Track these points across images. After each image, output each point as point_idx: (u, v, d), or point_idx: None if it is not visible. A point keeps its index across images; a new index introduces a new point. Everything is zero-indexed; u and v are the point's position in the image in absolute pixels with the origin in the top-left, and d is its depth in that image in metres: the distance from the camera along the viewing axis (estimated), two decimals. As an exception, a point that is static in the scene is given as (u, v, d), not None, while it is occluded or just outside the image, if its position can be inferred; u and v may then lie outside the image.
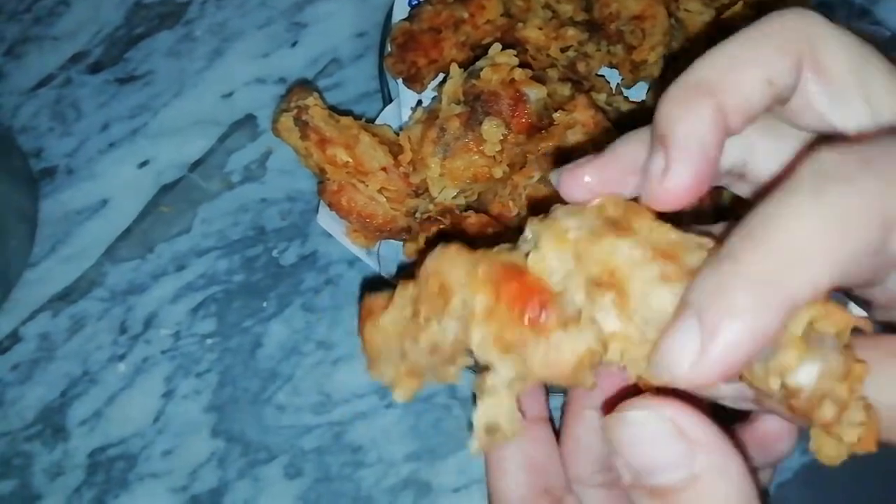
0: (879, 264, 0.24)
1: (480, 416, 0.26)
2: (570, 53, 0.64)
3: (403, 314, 0.28)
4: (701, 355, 0.22)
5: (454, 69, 0.57)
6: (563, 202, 0.29)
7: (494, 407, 0.26)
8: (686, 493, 0.23)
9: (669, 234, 0.26)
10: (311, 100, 0.57)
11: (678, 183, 0.25)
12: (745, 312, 0.22)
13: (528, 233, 0.28)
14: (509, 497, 0.31)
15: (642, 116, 0.62)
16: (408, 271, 0.30)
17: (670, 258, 0.25)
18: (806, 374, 0.23)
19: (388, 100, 0.66)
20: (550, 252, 0.26)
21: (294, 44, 0.74)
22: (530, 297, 0.26)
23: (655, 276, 0.25)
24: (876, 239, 0.22)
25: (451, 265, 0.27)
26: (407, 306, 0.28)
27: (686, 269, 0.25)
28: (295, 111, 0.57)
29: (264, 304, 0.64)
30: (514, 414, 0.26)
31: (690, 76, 0.26)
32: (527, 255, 0.27)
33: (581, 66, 0.64)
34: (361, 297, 0.31)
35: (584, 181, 0.29)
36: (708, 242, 0.26)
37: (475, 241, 0.29)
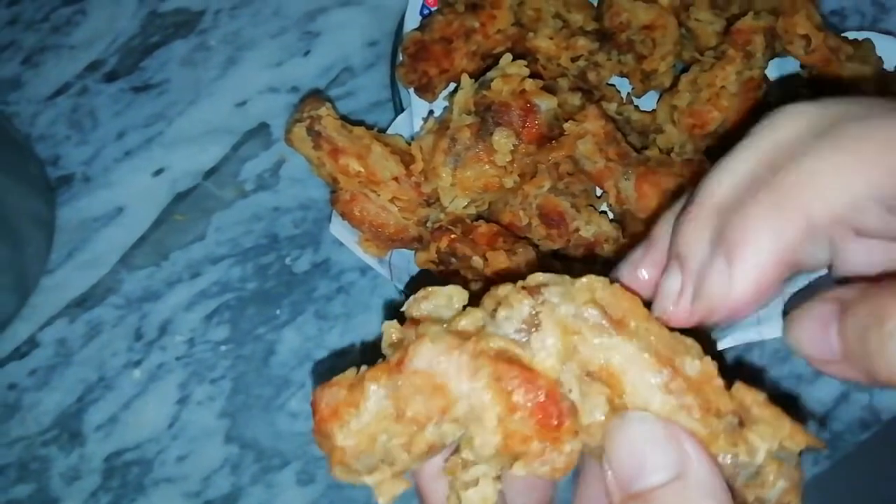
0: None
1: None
2: (581, 63, 0.64)
3: (379, 412, 0.26)
4: (731, 280, 0.25)
5: (465, 80, 0.57)
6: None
7: (480, 498, 0.26)
8: (670, 489, 0.24)
9: (664, 334, 0.27)
10: (324, 110, 0.57)
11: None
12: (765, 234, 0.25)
13: (518, 309, 0.26)
14: None
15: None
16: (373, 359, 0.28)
17: (668, 363, 0.26)
18: (777, 490, 0.26)
19: (399, 109, 0.66)
20: (558, 348, 0.26)
21: (307, 53, 0.75)
22: (551, 408, 0.25)
23: (656, 383, 0.26)
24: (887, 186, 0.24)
25: (441, 361, 0.25)
26: (382, 401, 0.26)
27: (683, 376, 0.26)
28: (308, 121, 0.57)
29: (277, 312, 0.65)
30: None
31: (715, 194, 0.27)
32: (519, 341, 0.26)
33: (591, 76, 0.64)
34: (315, 385, 0.28)
35: (642, 277, 0.30)
36: (697, 347, 0.27)
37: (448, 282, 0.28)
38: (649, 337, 0.26)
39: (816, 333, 0.26)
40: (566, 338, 0.26)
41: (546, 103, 0.55)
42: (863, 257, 0.28)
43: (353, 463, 0.26)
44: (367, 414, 0.26)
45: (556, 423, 0.25)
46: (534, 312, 0.26)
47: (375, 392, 0.26)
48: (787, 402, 0.28)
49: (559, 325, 0.26)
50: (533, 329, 0.26)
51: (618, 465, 0.25)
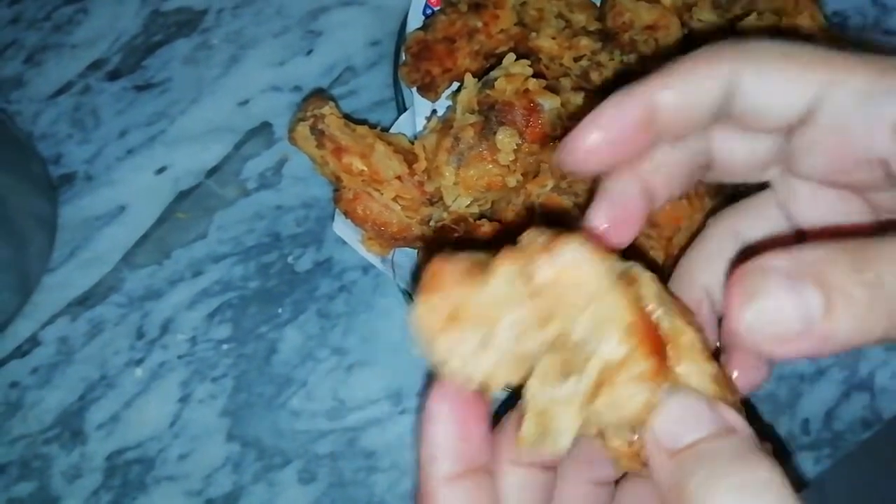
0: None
1: (554, 417, 0.26)
2: (584, 63, 0.64)
3: (505, 292, 0.25)
4: None
5: (468, 79, 0.57)
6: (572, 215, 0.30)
7: (566, 418, 0.25)
8: (718, 440, 0.24)
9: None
10: (328, 108, 0.58)
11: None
12: None
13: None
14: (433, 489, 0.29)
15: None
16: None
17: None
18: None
19: (402, 108, 0.66)
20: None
21: (309, 52, 0.75)
22: (663, 365, 0.26)
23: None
24: None
25: (586, 261, 0.25)
26: (512, 283, 0.25)
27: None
28: (311, 120, 0.57)
29: (279, 311, 0.65)
30: (572, 435, 0.26)
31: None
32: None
33: (594, 76, 0.64)
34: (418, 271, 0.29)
35: (590, 147, 0.29)
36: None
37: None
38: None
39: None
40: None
41: (549, 103, 0.55)
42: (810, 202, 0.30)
43: (446, 338, 0.25)
44: (492, 289, 0.25)
45: (662, 364, 0.25)
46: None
47: (507, 272, 0.25)
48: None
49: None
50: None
51: (662, 426, 0.25)
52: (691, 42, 0.63)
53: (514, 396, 0.28)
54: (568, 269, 0.24)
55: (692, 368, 0.26)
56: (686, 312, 0.28)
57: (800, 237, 0.32)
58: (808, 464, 0.59)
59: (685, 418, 0.25)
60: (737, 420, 0.25)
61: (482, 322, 0.25)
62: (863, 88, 0.26)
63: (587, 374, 0.25)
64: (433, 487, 0.28)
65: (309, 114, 0.58)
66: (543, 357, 0.26)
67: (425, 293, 0.25)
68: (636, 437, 0.26)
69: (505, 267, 0.25)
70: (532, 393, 0.26)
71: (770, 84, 0.27)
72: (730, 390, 0.27)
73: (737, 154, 0.31)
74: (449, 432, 0.28)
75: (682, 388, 0.26)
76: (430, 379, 0.35)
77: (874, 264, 0.22)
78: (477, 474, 0.29)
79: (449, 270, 0.25)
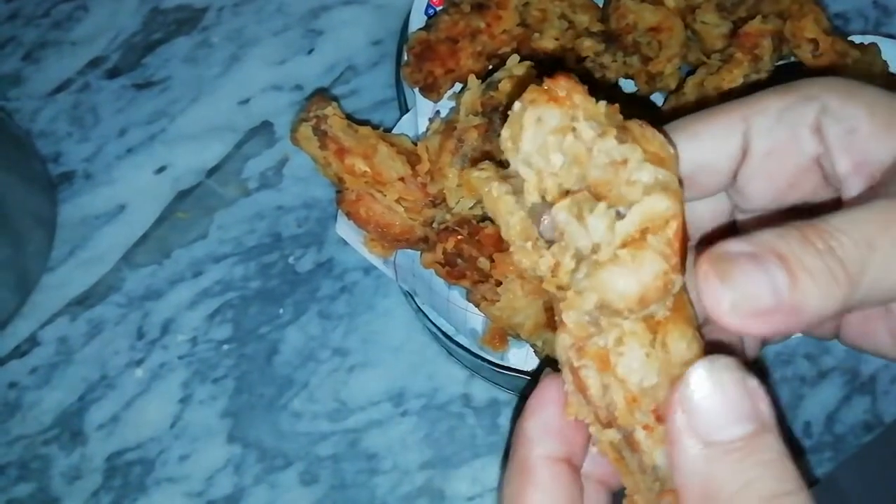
0: None
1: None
2: (587, 64, 0.64)
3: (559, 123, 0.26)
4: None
5: (472, 80, 0.57)
6: None
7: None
8: (753, 443, 0.24)
9: None
10: (330, 109, 0.57)
11: None
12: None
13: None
14: (532, 461, 0.30)
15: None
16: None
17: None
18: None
19: (404, 109, 0.66)
20: None
21: (310, 51, 0.75)
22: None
23: None
24: None
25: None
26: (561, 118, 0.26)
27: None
28: (314, 120, 0.57)
29: (280, 311, 0.65)
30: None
31: None
32: None
33: (597, 77, 0.64)
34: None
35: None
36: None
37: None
38: None
39: None
40: None
41: (553, 105, 0.55)
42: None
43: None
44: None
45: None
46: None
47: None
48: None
49: None
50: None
51: (698, 412, 0.24)
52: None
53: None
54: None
55: None
56: None
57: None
58: (811, 466, 0.60)
59: (726, 410, 0.24)
60: (768, 411, 0.25)
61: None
62: (778, 106, 0.30)
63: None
64: (532, 463, 0.30)
65: (312, 114, 0.58)
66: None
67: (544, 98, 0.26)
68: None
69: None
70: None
71: (699, 148, 0.30)
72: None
73: (701, 213, 0.34)
74: (555, 420, 0.30)
75: (719, 362, 0.25)
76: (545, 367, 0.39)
77: (823, 235, 0.24)
78: (573, 465, 0.30)
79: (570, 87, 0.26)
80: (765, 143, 0.30)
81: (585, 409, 0.27)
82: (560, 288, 0.26)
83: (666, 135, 0.28)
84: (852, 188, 0.29)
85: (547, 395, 0.30)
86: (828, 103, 0.29)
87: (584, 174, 0.26)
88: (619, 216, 0.25)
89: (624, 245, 0.25)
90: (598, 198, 0.26)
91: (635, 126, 0.27)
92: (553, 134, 0.26)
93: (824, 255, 0.24)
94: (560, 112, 0.26)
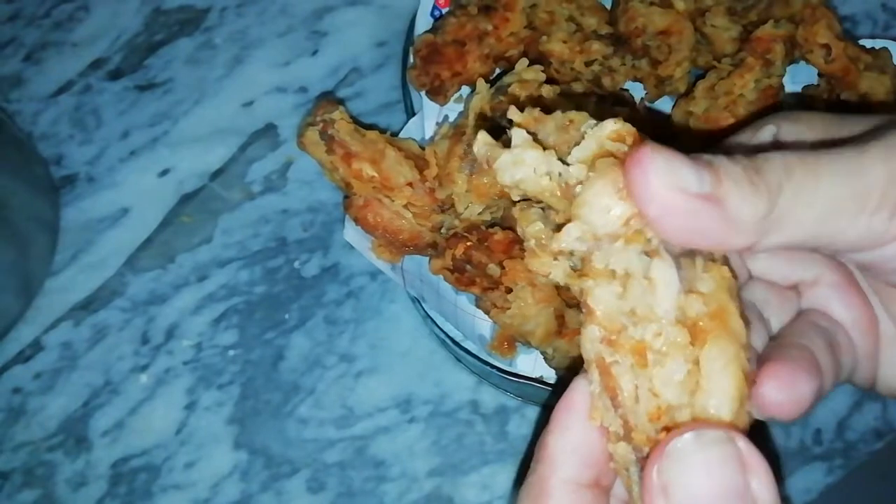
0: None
1: None
2: (595, 67, 0.63)
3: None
4: None
5: (481, 85, 0.56)
6: None
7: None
8: None
9: None
10: (338, 113, 0.57)
11: None
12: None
13: None
14: (552, 484, 0.28)
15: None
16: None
17: None
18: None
19: (410, 112, 0.65)
20: None
21: (314, 52, 0.74)
22: None
23: None
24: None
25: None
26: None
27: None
28: (321, 125, 0.57)
29: (286, 316, 0.64)
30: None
31: None
32: None
33: (606, 81, 0.63)
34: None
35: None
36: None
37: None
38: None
39: None
40: None
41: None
42: None
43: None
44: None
45: None
46: None
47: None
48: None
49: None
50: None
51: (683, 492, 0.23)
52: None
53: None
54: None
55: None
56: None
57: None
58: (820, 474, 0.59)
59: (710, 493, 0.23)
60: (764, 490, 0.23)
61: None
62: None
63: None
64: (552, 487, 0.28)
65: (318, 118, 0.57)
66: None
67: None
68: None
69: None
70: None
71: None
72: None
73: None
74: (581, 439, 0.28)
75: (708, 435, 0.23)
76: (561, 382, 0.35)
77: (749, 158, 0.26)
78: (601, 487, 0.28)
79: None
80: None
81: (612, 415, 0.26)
82: (581, 275, 0.26)
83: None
84: None
85: (574, 404, 0.28)
86: None
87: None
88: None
89: (586, 165, 0.25)
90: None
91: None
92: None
93: (746, 168, 0.25)
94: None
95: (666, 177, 0.24)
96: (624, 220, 0.25)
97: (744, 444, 0.23)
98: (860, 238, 0.26)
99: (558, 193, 0.26)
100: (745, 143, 0.32)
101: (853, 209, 0.26)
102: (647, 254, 0.25)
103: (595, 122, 0.26)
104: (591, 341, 0.25)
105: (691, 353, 0.24)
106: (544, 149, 0.26)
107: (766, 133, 0.31)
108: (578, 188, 0.25)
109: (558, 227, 0.26)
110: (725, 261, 0.27)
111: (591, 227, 0.25)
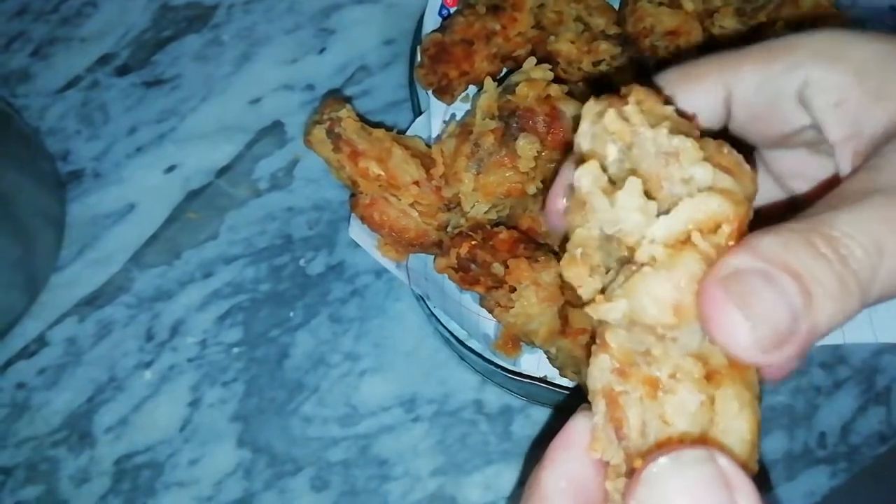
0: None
1: None
2: (603, 67, 0.63)
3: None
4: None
5: (489, 83, 0.56)
6: None
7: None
8: None
9: None
10: (345, 112, 0.56)
11: None
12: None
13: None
14: None
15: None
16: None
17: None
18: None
19: (417, 110, 0.65)
20: None
21: (322, 50, 0.74)
22: None
23: None
24: None
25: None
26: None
27: None
28: (327, 123, 0.56)
29: (291, 314, 0.64)
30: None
31: None
32: None
33: (614, 81, 0.63)
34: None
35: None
36: None
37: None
38: None
39: None
40: None
41: (571, 109, 0.55)
42: None
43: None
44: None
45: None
46: None
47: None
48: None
49: None
50: None
51: None
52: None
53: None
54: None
55: None
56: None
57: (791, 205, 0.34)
58: (824, 477, 0.59)
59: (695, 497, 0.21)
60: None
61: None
62: (756, 80, 0.28)
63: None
64: None
65: (325, 116, 0.57)
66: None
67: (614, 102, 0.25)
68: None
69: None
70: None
71: (683, 104, 0.29)
72: None
73: None
74: (576, 476, 0.26)
75: (688, 455, 0.22)
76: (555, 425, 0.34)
77: (832, 242, 0.22)
78: None
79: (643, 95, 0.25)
80: (745, 112, 0.29)
81: (614, 448, 0.24)
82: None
83: (751, 162, 0.27)
84: (844, 158, 0.28)
85: (571, 441, 0.26)
86: (811, 74, 0.27)
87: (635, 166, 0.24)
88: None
89: (665, 246, 0.23)
90: (648, 196, 0.24)
91: (711, 141, 0.25)
92: (609, 125, 0.25)
93: (836, 267, 0.22)
94: (621, 109, 0.25)
95: (759, 328, 0.22)
96: (671, 324, 0.23)
97: (726, 462, 0.22)
98: None
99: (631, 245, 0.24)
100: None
101: None
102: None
103: (705, 167, 0.23)
104: (600, 370, 0.24)
105: (705, 387, 0.23)
106: (633, 172, 0.24)
107: (791, 84, 0.28)
108: (645, 269, 0.23)
109: (619, 263, 0.25)
110: None
111: (636, 314, 0.23)
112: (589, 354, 0.55)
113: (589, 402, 0.26)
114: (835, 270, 0.22)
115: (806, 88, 0.28)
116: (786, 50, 0.28)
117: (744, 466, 0.22)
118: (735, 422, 0.23)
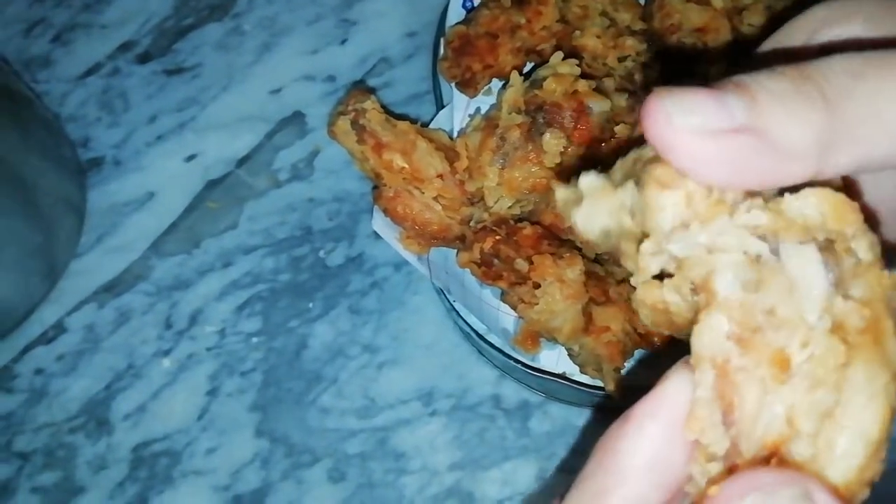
0: None
1: None
2: (628, 63, 0.63)
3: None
4: None
5: (515, 77, 0.56)
6: None
7: None
8: None
9: None
10: (370, 103, 0.56)
11: None
12: None
13: None
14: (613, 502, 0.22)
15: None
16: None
17: None
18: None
19: (440, 103, 0.65)
20: None
21: (343, 41, 0.74)
22: None
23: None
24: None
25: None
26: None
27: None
28: (352, 114, 0.56)
29: (310, 305, 0.64)
30: None
31: None
32: None
33: (639, 77, 0.63)
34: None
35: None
36: None
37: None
38: None
39: None
40: None
41: (599, 105, 0.54)
42: None
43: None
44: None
45: None
46: None
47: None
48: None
49: None
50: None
51: None
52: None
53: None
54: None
55: None
56: None
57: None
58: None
59: None
60: None
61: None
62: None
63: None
64: None
65: (350, 108, 0.57)
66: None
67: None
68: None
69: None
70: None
71: None
72: None
73: None
74: (662, 455, 0.22)
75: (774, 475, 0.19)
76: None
77: (798, 66, 0.20)
78: None
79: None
80: None
81: (717, 432, 0.20)
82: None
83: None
84: None
85: (662, 409, 0.22)
86: None
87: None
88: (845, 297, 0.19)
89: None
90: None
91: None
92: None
93: (794, 79, 0.20)
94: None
95: (682, 118, 0.19)
96: (682, 201, 0.20)
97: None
98: None
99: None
100: (784, 48, 0.25)
101: None
102: (762, 238, 0.20)
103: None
104: (713, 333, 0.20)
105: (840, 376, 0.19)
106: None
107: (805, 29, 0.24)
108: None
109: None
110: (882, 257, 0.21)
111: (655, 231, 0.21)
112: (611, 352, 0.55)
113: (687, 358, 0.21)
114: (791, 80, 0.20)
115: None
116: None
117: (852, 495, 0.20)
118: (860, 415, 0.19)
